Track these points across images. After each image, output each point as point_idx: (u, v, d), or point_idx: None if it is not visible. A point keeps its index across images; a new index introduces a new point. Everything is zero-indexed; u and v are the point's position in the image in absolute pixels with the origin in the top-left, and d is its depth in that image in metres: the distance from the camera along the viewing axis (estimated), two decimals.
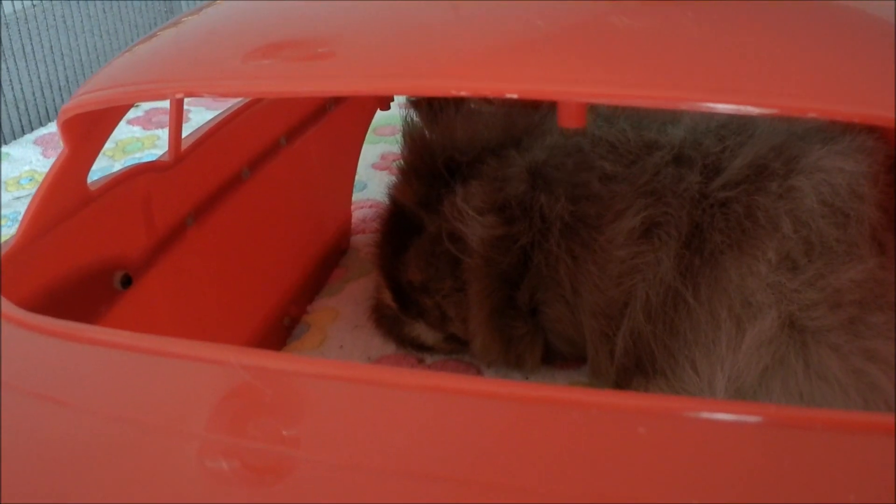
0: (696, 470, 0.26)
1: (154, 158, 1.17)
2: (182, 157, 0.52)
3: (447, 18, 0.32)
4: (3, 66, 1.23)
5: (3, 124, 1.24)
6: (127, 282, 0.50)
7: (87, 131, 0.39)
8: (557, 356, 0.62)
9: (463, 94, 0.27)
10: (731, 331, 0.50)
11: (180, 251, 0.56)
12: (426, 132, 0.64)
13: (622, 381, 0.56)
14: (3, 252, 0.37)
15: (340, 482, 0.27)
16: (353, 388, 0.30)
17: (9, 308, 0.33)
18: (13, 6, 1.24)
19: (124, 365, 0.33)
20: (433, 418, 0.28)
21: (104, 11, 1.40)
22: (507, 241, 0.58)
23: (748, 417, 0.27)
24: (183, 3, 1.56)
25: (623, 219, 0.56)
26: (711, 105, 0.28)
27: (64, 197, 0.41)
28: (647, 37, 0.30)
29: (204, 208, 0.58)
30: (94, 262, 0.45)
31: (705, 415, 0.27)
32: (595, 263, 0.56)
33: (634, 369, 0.55)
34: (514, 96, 0.27)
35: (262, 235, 0.66)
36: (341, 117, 0.76)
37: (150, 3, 1.50)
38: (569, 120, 0.30)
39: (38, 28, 1.28)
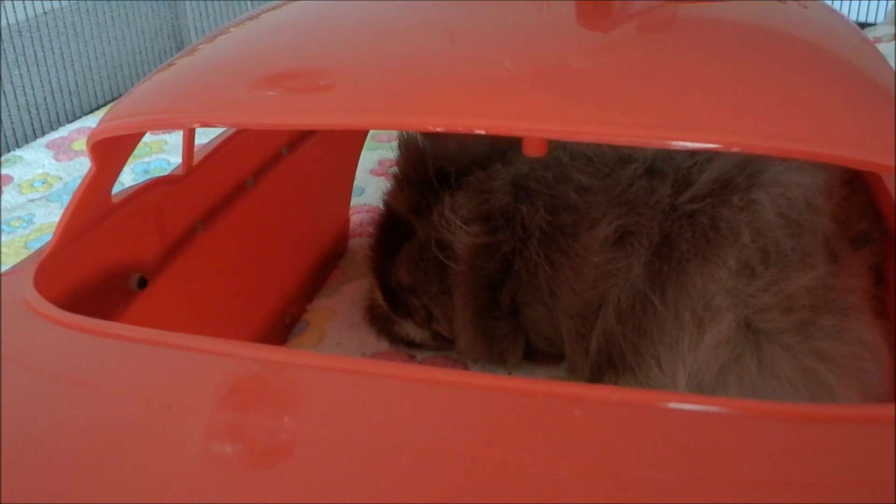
0: (662, 451, 0.30)
1: (161, 162, 1.21)
2: (193, 170, 0.57)
3: (430, 60, 0.36)
4: (17, 71, 1.27)
5: (15, 128, 1.29)
6: (142, 283, 0.54)
7: (112, 152, 0.44)
8: (538, 354, 0.67)
9: (439, 129, 0.32)
10: (693, 332, 0.54)
11: (190, 255, 0.61)
12: (420, 142, 0.68)
13: (595, 377, 0.60)
14: (41, 258, 0.42)
15: (337, 464, 0.31)
16: (350, 379, 0.34)
17: (45, 306, 0.38)
18: (25, 13, 1.29)
19: (141, 356, 0.37)
20: (422, 406, 0.33)
21: (112, 18, 1.45)
22: (490, 248, 0.63)
23: (709, 408, 0.31)
24: (188, 5, 1.61)
25: (598, 227, 0.60)
26: (654, 141, 0.33)
27: (91, 209, 0.45)
28: (601, 78, 0.34)
29: (212, 216, 0.63)
30: (115, 266, 0.50)
31: (673, 405, 0.31)
32: (571, 269, 0.61)
33: (606, 366, 0.59)
34: (482, 132, 0.32)
35: (265, 239, 0.71)
36: None
37: (155, 8, 1.55)
38: (531, 150, 0.34)
39: (49, 35, 1.33)
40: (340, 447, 0.31)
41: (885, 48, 1.59)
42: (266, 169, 0.70)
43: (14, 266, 0.44)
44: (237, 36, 0.48)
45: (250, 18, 0.52)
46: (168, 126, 0.41)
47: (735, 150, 0.32)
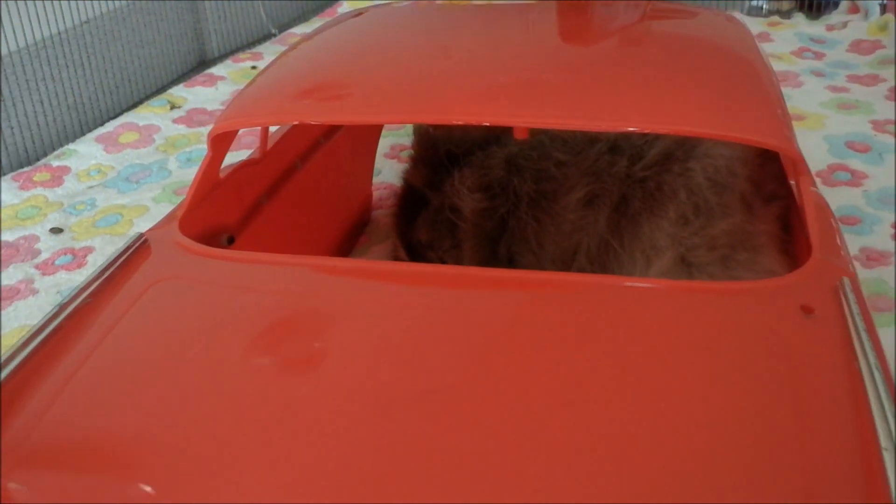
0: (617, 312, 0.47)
1: (201, 152, 1.40)
2: (266, 155, 0.75)
3: (434, 74, 0.54)
4: (65, 74, 1.45)
5: (66, 125, 1.46)
6: (230, 241, 0.73)
7: (223, 142, 0.62)
8: None
9: (459, 122, 0.50)
10: (643, 266, 0.73)
11: (257, 222, 0.79)
12: (431, 130, 0.86)
13: None
14: (177, 218, 0.60)
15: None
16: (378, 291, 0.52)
17: (192, 244, 0.56)
18: (73, 21, 1.46)
19: (257, 270, 0.56)
20: (446, 306, 0.51)
21: (144, 24, 1.62)
22: (490, 211, 0.81)
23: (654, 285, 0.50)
24: (209, 8, 1.78)
25: (572, 193, 0.78)
26: (592, 127, 0.51)
27: (207, 183, 0.63)
28: (564, 88, 0.52)
29: (272, 191, 0.81)
30: (215, 227, 0.68)
31: (629, 284, 0.49)
32: (553, 225, 0.79)
33: None
34: (486, 124, 0.50)
35: (309, 211, 0.89)
36: None
37: (180, 13, 1.72)
38: (518, 134, 0.53)
39: (93, 42, 1.50)
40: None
41: (839, 34, 1.77)
42: (309, 154, 0.88)
43: (155, 225, 0.63)
44: (306, 55, 0.66)
45: (311, 39, 0.70)
46: (269, 123, 0.59)
47: (648, 132, 0.50)
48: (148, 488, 0.41)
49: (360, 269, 0.53)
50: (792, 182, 0.64)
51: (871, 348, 0.42)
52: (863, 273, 0.94)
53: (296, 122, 0.65)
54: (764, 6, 1.93)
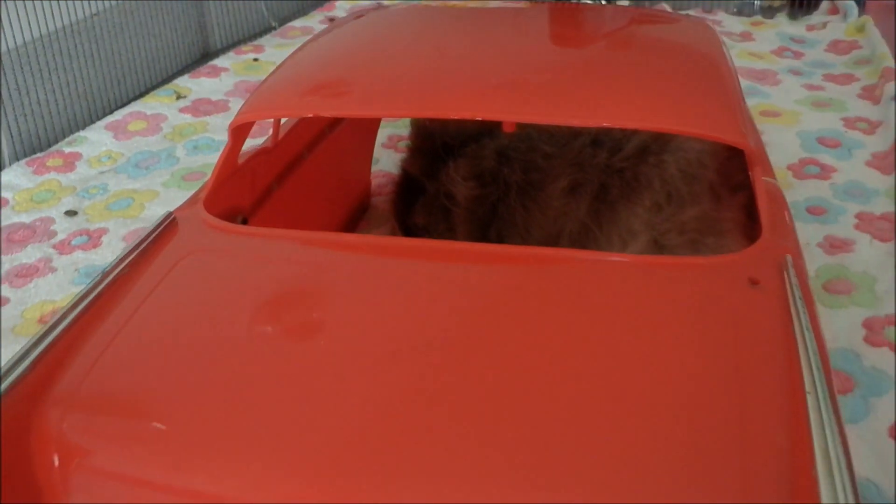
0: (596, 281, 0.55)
1: (207, 140, 1.46)
2: (278, 144, 0.82)
3: (431, 72, 0.61)
4: (76, 64, 1.51)
5: (76, 113, 1.52)
6: (243, 223, 0.80)
7: (242, 132, 0.69)
8: None
9: (456, 117, 0.57)
10: (619, 248, 0.81)
11: (267, 206, 0.86)
12: (427, 123, 0.93)
13: None
14: (201, 200, 0.67)
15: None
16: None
17: (218, 222, 0.63)
18: (84, 13, 1.52)
19: (274, 245, 0.63)
20: (436, 283, 0.58)
21: (150, 18, 1.68)
22: (482, 198, 0.88)
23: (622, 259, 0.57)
24: (212, 6, 1.84)
25: (557, 182, 0.86)
26: (579, 122, 0.59)
27: (227, 169, 0.70)
28: (548, 86, 0.60)
29: (281, 178, 0.88)
30: (231, 209, 0.75)
31: (601, 258, 0.57)
32: (539, 211, 0.87)
33: None
34: (478, 119, 0.57)
35: (314, 196, 0.96)
36: None
37: (184, 8, 1.78)
38: (506, 128, 0.60)
39: (102, 34, 1.56)
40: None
41: (818, 35, 1.85)
42: (315, 144, 0.95)
43: (180, 206, 0.70)
44: (314, 55, 0.73)
45: (318, 40, 0.77)
46: (283, 116, 0.67)
47: (619, 127, 0.57)
48: (180, 432, 0.48)
49: (367, 244, 0.60)
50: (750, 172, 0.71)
51: (805, 313, 0.50)
52: (826, 259, 1.01)
53: (307, 115, 0.72)
54: (756, 3, 2.00)
